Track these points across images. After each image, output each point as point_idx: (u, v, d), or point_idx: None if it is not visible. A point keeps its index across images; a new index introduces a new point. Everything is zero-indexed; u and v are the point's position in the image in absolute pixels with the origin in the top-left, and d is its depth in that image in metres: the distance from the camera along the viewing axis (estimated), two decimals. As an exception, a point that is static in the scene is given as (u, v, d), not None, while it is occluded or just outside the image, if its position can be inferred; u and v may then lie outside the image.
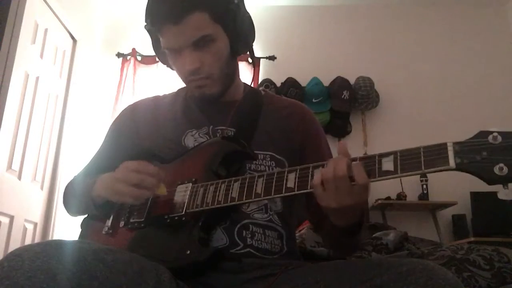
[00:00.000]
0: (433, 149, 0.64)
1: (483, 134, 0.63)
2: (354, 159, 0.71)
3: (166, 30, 0.94)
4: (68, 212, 1.10)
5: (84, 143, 3.41)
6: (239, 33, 0.99)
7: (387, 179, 0.68)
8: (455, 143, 0.63)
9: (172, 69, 1.05)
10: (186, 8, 0.91)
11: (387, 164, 0.67)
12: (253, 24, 1.03)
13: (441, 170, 0.63)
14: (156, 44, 1.03)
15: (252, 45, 1.05)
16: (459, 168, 0.62)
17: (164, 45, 0.97)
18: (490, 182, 0.61)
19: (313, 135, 1.07)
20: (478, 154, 0.62)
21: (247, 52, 1.05)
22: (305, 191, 0.75)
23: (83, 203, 1.01)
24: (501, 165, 0.60)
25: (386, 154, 0.68)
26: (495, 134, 0.62)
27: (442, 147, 0.64)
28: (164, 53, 1.02)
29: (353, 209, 0.77)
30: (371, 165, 0.69)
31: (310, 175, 0.74)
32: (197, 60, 0.95)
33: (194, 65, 0.95)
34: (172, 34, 0.94)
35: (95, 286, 0.61)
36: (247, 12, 1.02)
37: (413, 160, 0.65)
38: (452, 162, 0.62)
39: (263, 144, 1.00)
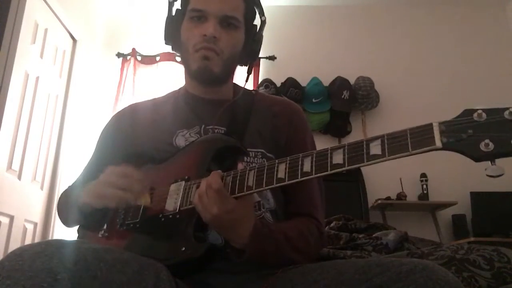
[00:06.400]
0: (419, 130, 0.64)
1: (468, 112, 0.62)
2: (343, 146, 0.71)
3: None
4: (63, 223, 1.09)
5: (84, 143, 3.41)
6: (253, 41, 1.09)
7: (375, 163, 0.67)
8: (440, 123, 0.63)
9: (174, 48, 1.09)
10: None
11: (375, 148, 0.67)
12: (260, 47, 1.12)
13: (428, 151, 0.63)
14: (175, 15, 1.07)
15: (253, 63, 1.13)
16: (445, 147, 0.61)
17: (196, 5, 1.02)
18: (477, 159, 0.60)
19: (300, 132, 1.08)
20: (463, 132, 0.61)
21: (247, 63, 1.12)
22: (295, 180, 0.74)
23: (73, 214, 1.00)
24: (487, 141, 0.59)
25: (374, 139, 0.68)
26: (479, 111, 0.61)
27: (428, 127, 0.63)
28: (176, 23, 1.06)
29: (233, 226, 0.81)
30: (359, 150, 0.68)
31: (300, 165, 0.74)
32: (218, 32, 1.00)
33: (215, 33, 1.00)
34: None
35: (95, 286, 0.61)
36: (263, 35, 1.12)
37: (400, 143, 0.64)
38: (438, 142, 0.62)
39: (254, 142, 1.01)
